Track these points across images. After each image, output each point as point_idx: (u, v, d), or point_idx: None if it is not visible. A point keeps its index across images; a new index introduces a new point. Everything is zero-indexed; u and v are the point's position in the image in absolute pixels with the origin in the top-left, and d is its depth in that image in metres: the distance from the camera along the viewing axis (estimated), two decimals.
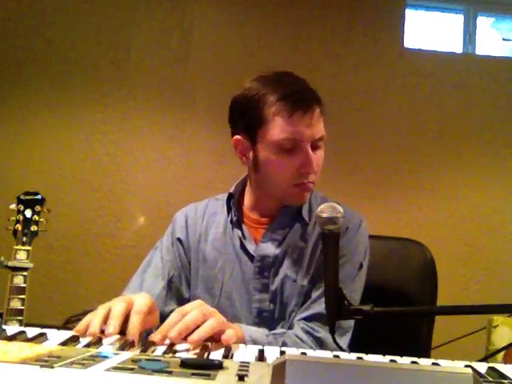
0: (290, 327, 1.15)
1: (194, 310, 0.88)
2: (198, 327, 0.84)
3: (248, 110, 1.18)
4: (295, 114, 1.12)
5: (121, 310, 0.85)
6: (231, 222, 1.25)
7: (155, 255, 1.27)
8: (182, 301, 1.23)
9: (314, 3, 3.03)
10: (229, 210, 1.27)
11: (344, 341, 1.12)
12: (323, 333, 1.09)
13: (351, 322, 1.15)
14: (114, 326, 0.81)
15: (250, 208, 1.26)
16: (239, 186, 1.30)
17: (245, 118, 1.20)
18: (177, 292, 1.23)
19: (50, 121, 2.89)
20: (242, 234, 1.23)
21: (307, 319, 1.12)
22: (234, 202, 1.27)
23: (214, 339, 0.86)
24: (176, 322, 0.84)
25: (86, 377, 0.51)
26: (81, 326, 0.83)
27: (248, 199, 1.28)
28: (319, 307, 1.11)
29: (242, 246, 1.22)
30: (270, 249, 1.20)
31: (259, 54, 2.94)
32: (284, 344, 1.05)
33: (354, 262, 1.19)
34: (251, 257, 1.20)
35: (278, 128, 1.13)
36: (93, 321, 0.83)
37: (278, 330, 1.12)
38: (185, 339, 0.82)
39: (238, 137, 1.23)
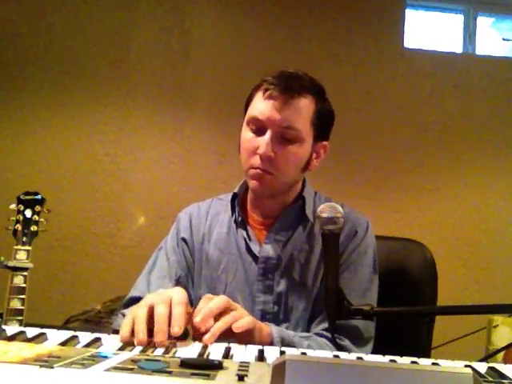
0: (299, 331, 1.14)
1: (220, 297, 0.92)
2: (220, 314, 0.88)
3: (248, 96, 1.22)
4: (267, 93, 1.12)
5: (165, 312, 0.82)
6: (235, 222, 1.24)
7: (160, 255, 1.26)
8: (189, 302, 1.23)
9: (314, 3, 3.03)
10: (233, 210, 1.26)
11: (365, 351, 1.11)
12: (347, 341, 1.09)
13: (372, 332, 1.14)
14: (163, 332, 0.79)
15: (253, 208, 1.25)
16: (243, 186, 1.28)
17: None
18: None
19: (50, 121, 2.89)
20: (248, 234, 1.22)
21: (329, 330, 1.10)
22: (238, 201, 1.25)
23: (230, 333, 0.87)
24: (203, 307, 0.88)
25: (86, 377, 0.51)
26: (125, 332, 0.81)
27: (249, 199, 1.26)
28: None
29: (247, 247, 1.21)
30: (273, 250, 1.18)
31: (259, 54, 2.94)
32: (309, 347, 1.04)
33: (367, 266, 1.18)
34: (255, 258, 1.19)
35: (252, 105, 1.16)
36: (138, 327, 0.80)
37: (304, 333, 1.11)
38: (202, 335, 0.85)
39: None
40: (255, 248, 1.20)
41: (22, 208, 1.39)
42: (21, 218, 1.38)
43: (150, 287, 1.18)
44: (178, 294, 0.87)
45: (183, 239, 1.26)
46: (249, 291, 1.18)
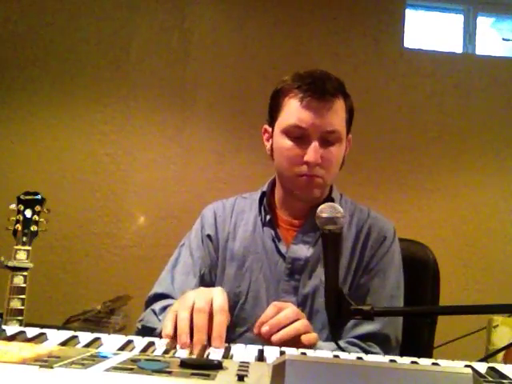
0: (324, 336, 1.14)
1: (289, 307, 0.93)
2: (288, 325, 0.89)
3: (273, 99, 1.21)
4: (305, 100, 1.12)
5: (204, 323, 0.82)
6: (262, 221, 1.23)
7: (183, 252, 1.25)
8: None
9: (314, 3, 3.03)
10: (260, 209, 1.25)
11: None
12: (378, 349, 1.09)
13: (400, 339, 1.15)
14: (201, 343, 0.79)
15: (281, 208, 1.25)
16: (270, 185, 1.28)
17: (270, 107, 1.22)
18: None
19: (50, 121, 2.89)
20: (276, 234, 1.21)
21: (360, 338, 1.10)
22: (266, 201, 1.25)
23: (296, 342, 0.88)
24: (272, 316, 0.90)
25: (86, 377, 0.51)
26: (169, 330, 0.83)
27: (277, 198, 1.26)
28: (372, 326, 1.09)
29: (275, 247, 1.20)
30: (301, 251, 1.18)
31: (259, 54, 2.94)
32: None
33: (395, 272, 1.19)
34: (283, 258, 1.19)
35: (288, 113, 1.15)
36: (181, 332, 0.81)
37: (341, 344, 1.09)
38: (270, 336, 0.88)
39: (265, 126, 1.25)
40: (282, 248, 1.19)
41: (22, 208, 1.39)
42: (21, 217, 1.38)
43: (174, 283, 1.18)
44: (220, 298, 0.86)
45: (208, 236, 1.25)
46: (274, 291, 1.17)
